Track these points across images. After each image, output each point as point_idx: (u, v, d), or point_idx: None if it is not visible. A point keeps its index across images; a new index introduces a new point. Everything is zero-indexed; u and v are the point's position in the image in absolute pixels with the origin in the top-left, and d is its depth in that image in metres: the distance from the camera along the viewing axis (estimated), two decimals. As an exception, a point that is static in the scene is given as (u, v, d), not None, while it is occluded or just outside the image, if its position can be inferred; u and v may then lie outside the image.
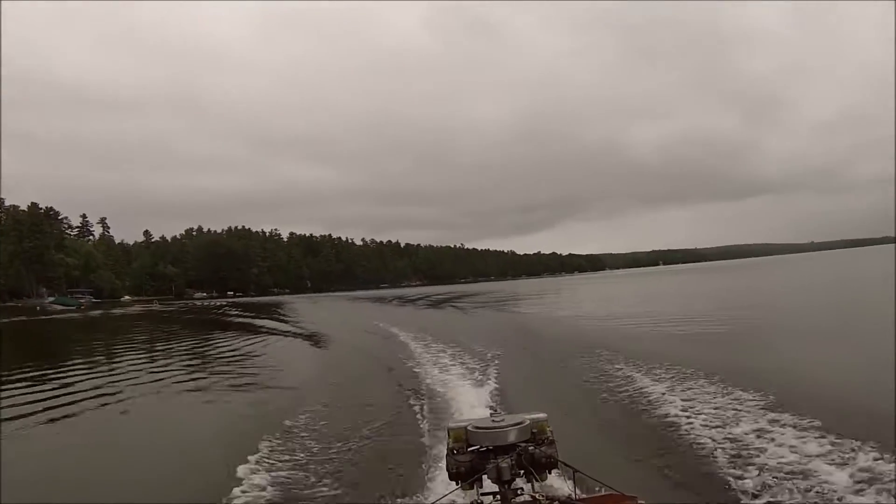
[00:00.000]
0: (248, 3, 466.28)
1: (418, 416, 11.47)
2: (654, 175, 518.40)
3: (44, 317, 72.45)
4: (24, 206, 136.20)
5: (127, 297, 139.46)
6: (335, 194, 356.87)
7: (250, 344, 28.78)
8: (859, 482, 6.50)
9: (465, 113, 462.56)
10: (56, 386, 17.36)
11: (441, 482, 6.74)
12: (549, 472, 2.93)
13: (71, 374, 20.13)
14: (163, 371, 20.24)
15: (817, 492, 6.40)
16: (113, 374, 20.09)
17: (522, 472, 2.85)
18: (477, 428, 2.96)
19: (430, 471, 7.74)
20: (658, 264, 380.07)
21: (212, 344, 30.20)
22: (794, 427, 8.41)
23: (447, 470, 2.97)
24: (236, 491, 7.38)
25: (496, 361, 17.17)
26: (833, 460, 7.10)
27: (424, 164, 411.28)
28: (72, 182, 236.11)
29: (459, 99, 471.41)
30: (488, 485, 2.88)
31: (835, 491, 6.36)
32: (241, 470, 8.04)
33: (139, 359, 24.91)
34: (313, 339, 31.24)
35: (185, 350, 28.67)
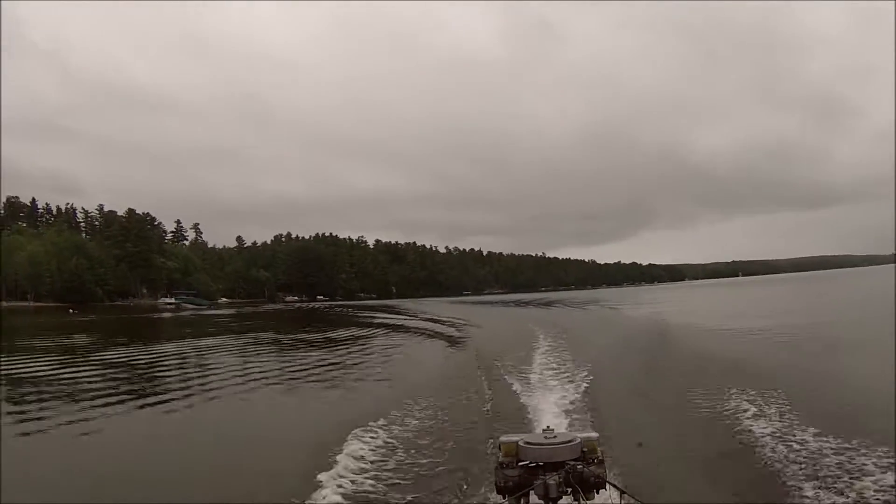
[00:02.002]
0: (312, 8, 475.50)
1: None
2: (721, 182, 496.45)
3: (195, 314, 73.83)
4: (108, 210, 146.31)
5: (223, 300, 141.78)
6: (406, 199, 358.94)
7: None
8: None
9: (530, 116, 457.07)
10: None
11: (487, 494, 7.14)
12: (597, 492, 2.94)
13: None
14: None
15: None
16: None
17: (570, 490, 2.87)
18: (528, 443, 3.00)
19: (479, 483, 7.94)
20: (738, 275, 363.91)
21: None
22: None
23: (496, 483, 3.00)
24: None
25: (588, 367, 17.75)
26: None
27: (490, 168, 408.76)
28: (152, 188, 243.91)
29: (523, 102, 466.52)
30: (535, 501, 2.91)
31: None
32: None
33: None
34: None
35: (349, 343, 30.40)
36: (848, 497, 7.08)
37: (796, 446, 8.90)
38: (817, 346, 21.29)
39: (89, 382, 18.56)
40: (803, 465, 8.14)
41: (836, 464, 8.10)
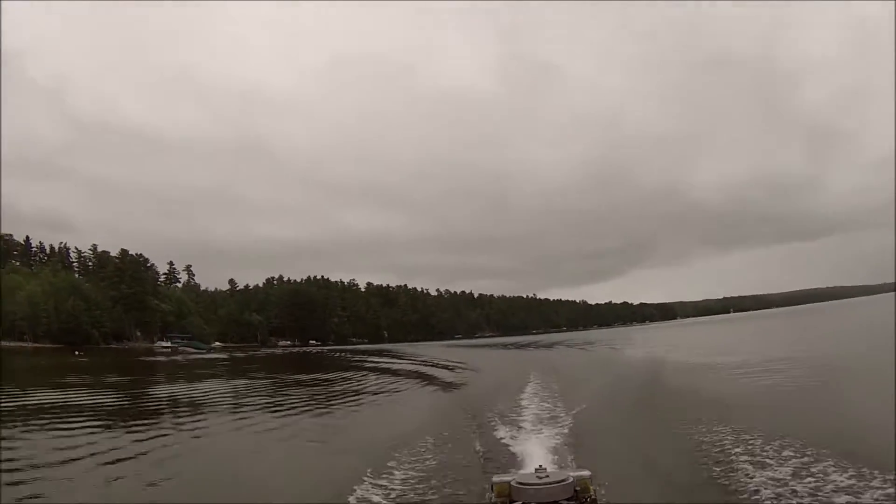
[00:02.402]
0: (306, 48, 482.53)
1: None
2: (719, 217, 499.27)
3: (198, 358, 73.95)
4: (101, 250, 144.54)
5: (217, 343, 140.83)
6: (403, 242, 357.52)
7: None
8: None
9: (527, 157, 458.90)
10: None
11: None
12: None
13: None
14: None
15: None
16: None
17: None
18: (520, 484, 3.01)
19: None
20: (729, 311, 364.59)
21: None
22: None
23: None
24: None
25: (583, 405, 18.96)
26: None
27: (488, 210, 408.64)
28: (145, 228, 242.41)
29: (520, 143, 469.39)
30: None
31: None
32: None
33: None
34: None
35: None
36: None
37: (791, 479, 9.01)
38: (803, 379, 21.58)
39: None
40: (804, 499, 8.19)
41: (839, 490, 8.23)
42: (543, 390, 23.15)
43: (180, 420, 20.09)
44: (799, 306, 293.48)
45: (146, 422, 18.52)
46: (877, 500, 7.93)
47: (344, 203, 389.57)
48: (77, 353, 60.83)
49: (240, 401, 25.12)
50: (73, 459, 12.94)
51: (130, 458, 13.40)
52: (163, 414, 21.03)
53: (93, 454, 13.47)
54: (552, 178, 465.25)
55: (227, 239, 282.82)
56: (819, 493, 8.41)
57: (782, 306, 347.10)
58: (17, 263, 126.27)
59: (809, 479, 9.08)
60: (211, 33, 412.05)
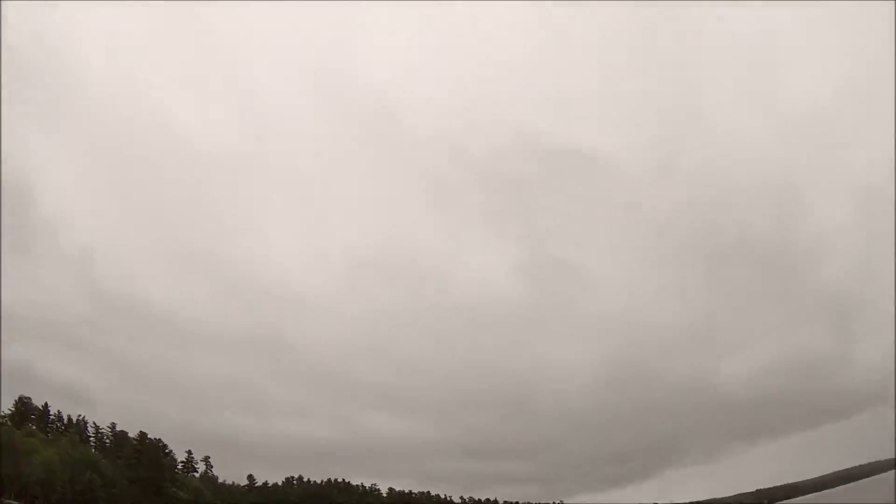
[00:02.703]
0: (327, 250, 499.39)
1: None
2: (748, 409, 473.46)
3: None
4: (120, 429, 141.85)
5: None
6: (425, 446, 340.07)
7: None
8: None
9: (549, 360, 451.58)
10: None
11: None
12: None
13: None
14: None
15: None
16: None
17: None
18: None
19: None
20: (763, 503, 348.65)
21: None
22: None
23: None
24: None
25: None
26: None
27: (511, 413, 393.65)
28: (163, 412, 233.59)
29: (541, 346, 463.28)
30: None
31: None
32: None
33: None
34: None
35: None
36: None
37: None
38: None
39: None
40: None
41: None
42: None
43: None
44: (834, 489, 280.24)
45: None
46: None
47: (366, 404, 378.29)
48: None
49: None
50: None
51: None
52: None
53: None
54: (574, 379, 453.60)
55: (246, 432, 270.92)
56: None
57: (815, 491, 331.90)
58: (34, 427, 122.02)
59: None
60: (233, 220, 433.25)
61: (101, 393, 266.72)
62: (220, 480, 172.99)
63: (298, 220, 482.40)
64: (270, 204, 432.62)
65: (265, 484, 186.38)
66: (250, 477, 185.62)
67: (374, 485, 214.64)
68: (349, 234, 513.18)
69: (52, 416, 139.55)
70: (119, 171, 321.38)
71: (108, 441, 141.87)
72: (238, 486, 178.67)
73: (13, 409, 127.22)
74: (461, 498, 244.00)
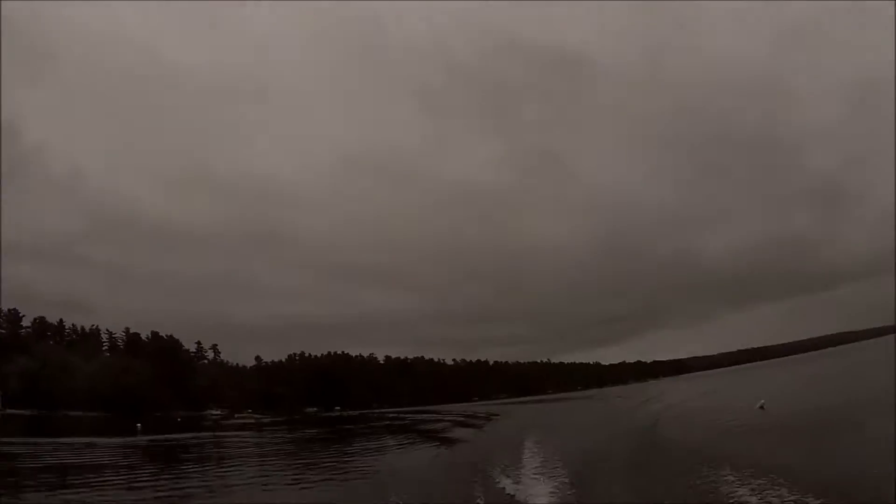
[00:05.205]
0: (323, 149, 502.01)
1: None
2: (730, 280, 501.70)
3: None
4: (133, 332, 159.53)
5: (249, 411, 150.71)
6: (419, 318, 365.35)
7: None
8: None
9: (538, 240, 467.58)
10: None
11: None
12: None
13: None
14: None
15: None
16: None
17: None
18: None
19: None
20: (738, 364, 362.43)
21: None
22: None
23: None
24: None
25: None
26: None
27: (504, 287, 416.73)
28: (165, 311, 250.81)
29: (531, 228, 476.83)
30: None
31: None
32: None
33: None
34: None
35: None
36: None
37: None
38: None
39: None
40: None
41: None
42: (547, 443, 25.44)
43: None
44: (809, 353, 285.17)
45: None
46: None
47: (360, 284, 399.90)
48: (139, 425, 64.14)
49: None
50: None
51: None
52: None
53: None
54: (564, 256, 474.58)
55: (248, 319, 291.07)
56: None
57: (794, 354, 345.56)
58: (52, 343, 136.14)
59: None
60: (222, 129, 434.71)
61: (101, 300, 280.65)
62: (230, 363, 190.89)
63: (286, 125, 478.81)
64: (258, 114, 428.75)
65: (271, 362, 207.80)
66: (257, 358, 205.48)
67: (373, 353, 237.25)
68: (337, 134, 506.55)
69: (67, 330, 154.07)
70: (104, 93, 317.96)
71: (120, 344, 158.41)
72: (246, 367, 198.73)
73: (31, 327, 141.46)
74: (453, 360, 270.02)
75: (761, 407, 34.58)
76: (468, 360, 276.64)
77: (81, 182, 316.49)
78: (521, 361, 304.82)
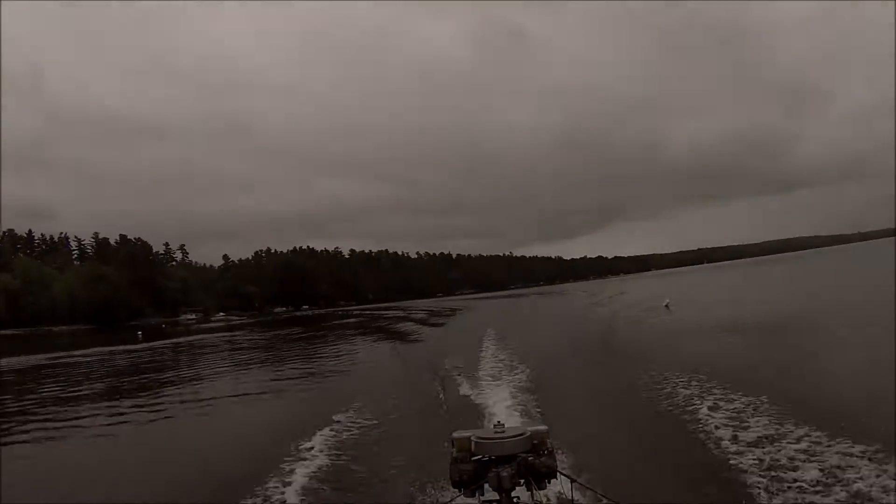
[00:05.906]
0: (282, 30, 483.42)
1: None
2: (696, 174, 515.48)
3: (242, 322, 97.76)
4: (102, 237, 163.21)
5: (221, 314, 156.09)
6: (382, 207, 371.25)
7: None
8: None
9: (505, 122, 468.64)
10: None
11: (443, 488, 7.12)
12: (549, 482, 3.20)
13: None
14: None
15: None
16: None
17: (522, 481, 3.13)
18: (480, 438, 3.21)
19: (436, 478, 8.16)
20: (703, 262, 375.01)
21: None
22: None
23: (450, 478, 3.26)
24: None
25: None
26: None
27: (467, 175, 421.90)
28: (129, 211, 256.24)
29: (497, 109, 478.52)
30: (489, 493, 3.17)
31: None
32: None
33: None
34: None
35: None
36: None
37: (743, 433, 8.88)
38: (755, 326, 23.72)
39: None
40: (753, 458, 7.83)
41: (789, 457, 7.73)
42: (503, 346, 25.08)
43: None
44: (772, 256, 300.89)
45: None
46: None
47: (323, 174, 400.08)
48: (140, 333, 65.86)
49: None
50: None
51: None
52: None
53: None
54: (528, 144, 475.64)
55: (213, 215, 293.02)
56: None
57: (757, 256, 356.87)
58: (23, 255, 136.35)
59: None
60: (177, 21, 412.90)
61: (65, 206, 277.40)
62: (197, 264, 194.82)
63: (243, 8, 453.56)
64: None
65: (239, 260, 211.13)
66: (225, 257, 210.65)
67: (338, 248, 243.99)
68: (295, 12, 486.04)
69: (37, 240, 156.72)
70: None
71: (90, 251, 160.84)
72: (214, 267, 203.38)
73: (2, 240, 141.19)
74: (417, 253, 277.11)
75: (667, 306, 39.45)
76: (431, 253, 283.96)
77: (38, 79, 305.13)
78: (484, 255, 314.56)
